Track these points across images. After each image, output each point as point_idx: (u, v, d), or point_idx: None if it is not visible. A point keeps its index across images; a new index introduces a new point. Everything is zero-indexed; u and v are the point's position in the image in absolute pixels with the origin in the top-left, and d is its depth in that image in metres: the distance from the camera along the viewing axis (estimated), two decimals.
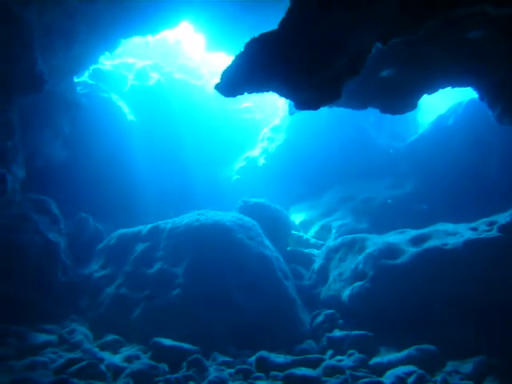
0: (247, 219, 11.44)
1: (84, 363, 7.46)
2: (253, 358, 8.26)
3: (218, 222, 10.67)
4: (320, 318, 9.79)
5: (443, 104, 17.53)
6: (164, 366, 7.84)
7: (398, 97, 8.31)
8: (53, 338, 8.84)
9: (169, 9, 13.83)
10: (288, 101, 11.55)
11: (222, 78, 5.96)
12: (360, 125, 17.44)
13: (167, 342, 8.46)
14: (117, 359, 8.11)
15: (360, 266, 9.99)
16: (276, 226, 12.89)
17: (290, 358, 8.23)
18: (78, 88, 15.71)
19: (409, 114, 13.03)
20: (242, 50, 5.61)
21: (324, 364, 7.92)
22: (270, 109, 22.79)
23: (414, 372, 7.40)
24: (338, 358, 8.37)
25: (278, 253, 11.23)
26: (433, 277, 8.96)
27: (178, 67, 22.96)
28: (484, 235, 9.04)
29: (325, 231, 14.95)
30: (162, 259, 10.44)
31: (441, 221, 10.67)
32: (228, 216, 11.16)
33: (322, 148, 17.51)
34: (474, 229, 9.58)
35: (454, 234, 9.63)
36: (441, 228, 10.13)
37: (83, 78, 16.93)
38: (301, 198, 17.12)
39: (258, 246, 10.56)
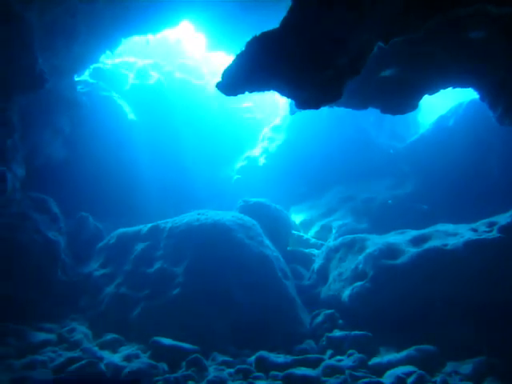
0: (247, 219, 11.43)
1: (83, 362, 7.45)
2: (252, 358, 8.26)
3: (218, 221, 10.67)
4: (320, 318, 9.79)
5: (444, 105, 17.53)
6: (163, 366, 7.83)
7: (399, 97, 8.30)
8: (52, 336, 8.84)
9: (169, 8, 13.84)
10: (289, 100, 11.55)
11: (223, 77, 5.96)
12: (360, 125, 17.44)
13: (167, 341, 8.45)
14: (116, 358, 8.10)
15: (360, 266, 9.98)
16: (276, 226, 12.89)
17: (289, 357, 8.23)
18: (79, 87, 15.70)
19: (409, 115, 13.02)
20: (244, 48, 5.60)
21: (324, 364, 7.92)
22: (270, 108, 22.78)
23: (414, 372, 7.40)
24: (338, 358, 8.37)
25: (278, 252, 11.23)
26: (433, 277, 8.96)
27: (179, 66, 22.96)
28: (484, 236, 9.03)
29: (325, 231, 14.95)
30: (162, 258, 10.43)
31: (441, 221, 10.67)
32: (228, 215, 11.16)
33: (322, 148, 17.51)
34: (475, 229, 9.57)
35: (454, 234, 9.62)
36: (441, 228, 10.12)
37: (84, 76, 16.93)
38: (301, 197, 17.12)
39: (258, 246, 10.55)
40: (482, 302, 8.41)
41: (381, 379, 7.41)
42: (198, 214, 11.13)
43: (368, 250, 10.06)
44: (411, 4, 5.02)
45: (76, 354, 8.02)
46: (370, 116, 16.95)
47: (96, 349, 8.45)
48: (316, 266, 11.59)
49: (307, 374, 7.45)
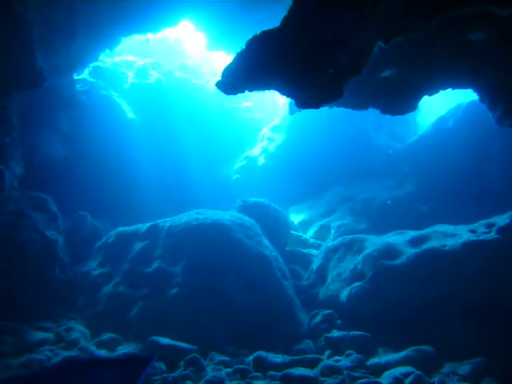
0: (246, 218, 11.42)
1: None
2: (250, 358, 8.25)
3: (216, 221, 10.66)
4: (318, 318, 9.78)
5: (443, 105, 17.53)
6: (161, 365, 7.81)
7: (399, 97, 8.30)
8: (50, 335, 8.82)
9: (169, 8, 13.82)
10: (288, 100, 11.55)
11: (223, 76, 5.95)
12: (360, 125, 17.45)
13: (164, 340, 8.43)
14: None
15: (359, 266, 9.98)
16: (275, 226, 12.88)
17: (287, 357, 8.22)
18: (78, 85, 15.67)
19: (409, 116, 13.04)
20: (244, 47, 5.59)
21: (322, 364, 7.91)
22: (270, 108, 22.77)
23: (412, 373, 7.40)
24: (336, 358, 8.37)
25: (276, 252, 11.22)
26: (431, 278, 8.96)
27: (179, 66, 22.94)
28: (483, 237, 9.04)
29: (324, 231, 14.95)
30: (161, 258, 10.41)
31: (440, 222, 10.67)
32: (227, 215, 11.14)
33: (321, 148, 17.50)
34: (473, 230, 9.58)
35: (452, 235, 9.63)
36: (440, 229, 10.13)
37: (83, 75, 16.89)
38: (300, 197, 17.11)
39: (256, 246, 10.54)
40: (480, 303, 8.41)
41: (379, 379, 7.41)
42: (197, 214, 11.11)
43: (367, 251, 10.06)
44: (411, 4, 5.02)
45: (73, 353, 8.01)
46: (370, 116, 16.96)
47: (93, 348, 8.43)
48: (315, 266, 11.58)
49: (305, 374, 7.44)
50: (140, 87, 19.10)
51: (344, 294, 9.84)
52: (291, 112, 12.17)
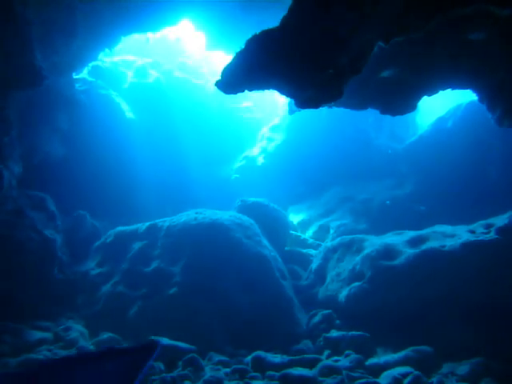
0: (245, 218, 11.42)
1: None
2: (249, 358, 8.24)
3: (215, 220, 10.65)
4: (317, 318, 9.78)
5: (442, 106, 17.54)
6: (160, 365, 7.80)
7: (399, 98, 8.30)
8: (48, 335, 8.80)
9: (169, 7, 13.80)
10: (288, 100, 11.54)
11: (222, 75, 5.94)
12: (359, 125, 17.45)
13: (163, 340, 8.41)
14: None
15: (358, 266, 9.98)
16: (274, 226, 12.88)
17: (286, 357, 8.21)
18: (77, 85, 15.65)
19: (408, 116, 13.05)
20: (243, 46, 5.58)
21: (321, 364, 7.90)
22: (269, 108, 22.76)
23: (411, 373, 7.41)
24: (335, 358, 8.36)
25: (275, 252, 11.21)
26: (430, 278, 8.96)
27: (178, 65, 22.91)
28: (481, 237, 9.04)
29: (323, 231, 14.95)
30: (160, 258, 10.40)
31: (439, 222, 10.68)
32: (226, 215, 11.14)
33: (321, 148, 17.50)
34: (472, 231, 9.59)
35: (451, 235, 9.63)
36: (439, 230, 10.13)
37: (82, 74, 16.87)
38: (299, 197, 17.11)
39: (255, 246, 10.54)
40: (479, 303, 8.42)
41: (377, 380, 7.41)
42: (196, 213, 11.10)
43: (366, 251, 10.06)
44: (411, 4, 5.02)
45: (71, 352, 7.98)
46: (369, 117, 16.97)
47: (92, 348, 8.41)
48: (314, 266, 11.58)
49: (304, 374, 7.44)
50: (139, 87, 19.07)
51: (343, 294, 9.84)
52: (290, 112, 12.16)
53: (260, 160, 19.04)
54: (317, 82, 5.46)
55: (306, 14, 5.35)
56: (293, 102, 6.35)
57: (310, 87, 5.55)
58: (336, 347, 8.74)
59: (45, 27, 10.60)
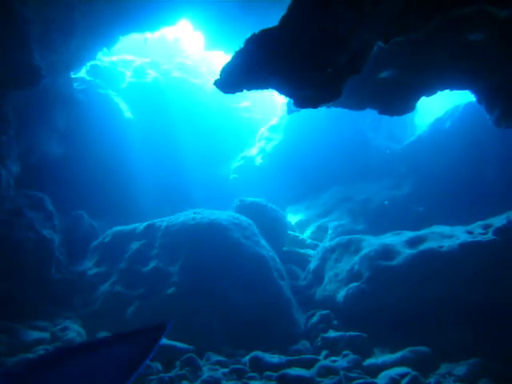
0: (243, 218, 11.40)
1: None
2: (247, 358, 8.23)
3: (213, 220, 10.63)
4: (315, 319, 9.77)
5: (441, 107, 17.57)
6: (157, 365, 7.78)
7: (397, 98, 8.30)
8: (45, 335, 8.76)
9: (168, 7, 13.79)
10: (287, 100, 11.53)
11: (221, 75, 5.93)
12: (358, 126, 17.47)
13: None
14: None
15: (356, 266, 9.98)
16: (272, 226, 12.87)
17: (284, 358, 8.20)
18: (75, 84, 15.61)
19: (406, 116, 13.05)
20: (242, 46, 5.57)
21: (318, 364, 7.90)
22: (268, 108, 22.75)
23: (408, 374, 7.40)
24: (333, 358, 8.36)
25: (273, 252, 11.20)
26: (428, 279, 8.97)
27: (177, 65, 22.89)
28: (479, 238, 9.06)
29: (321, 232, 14.95)
30: (157, 257, 10.38)
31: (437, 223, 10.69)
32: (224, 215, 11.12)
33: (319, 148, 17.51)
34: (470, 232, 9.60)
35: (449, 236, 9.64)
36: (437, 230, 10.14)
37: (80, 74, 16.82)
38: (298, 198, 17.11)
39: (253, 246, 10.52)
40: (476, 304, 8.43)
41: (375, 380, 7.41)
42: (194, 213, 11.08)
43: (364, 251, 10.06)
44: (411, 4, 5.02)
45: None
46: (368, 117, 16.98)
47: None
48: (312, 266, 11.58)
49: (301, 375, 7.43)
50: (138, 86, 19.04)
51: (341, 295, 9.84)
52: (289, 112, 12.16)
53: (258, 160, 19.03)
54: (316, 82, 5.45)
55: (305, 13, 5.34)
56: (291, 101, 6.34)
57: (309, 87, 5.54)
58: (334, 347, 8.73)
59: (43, 26, 10.56)
